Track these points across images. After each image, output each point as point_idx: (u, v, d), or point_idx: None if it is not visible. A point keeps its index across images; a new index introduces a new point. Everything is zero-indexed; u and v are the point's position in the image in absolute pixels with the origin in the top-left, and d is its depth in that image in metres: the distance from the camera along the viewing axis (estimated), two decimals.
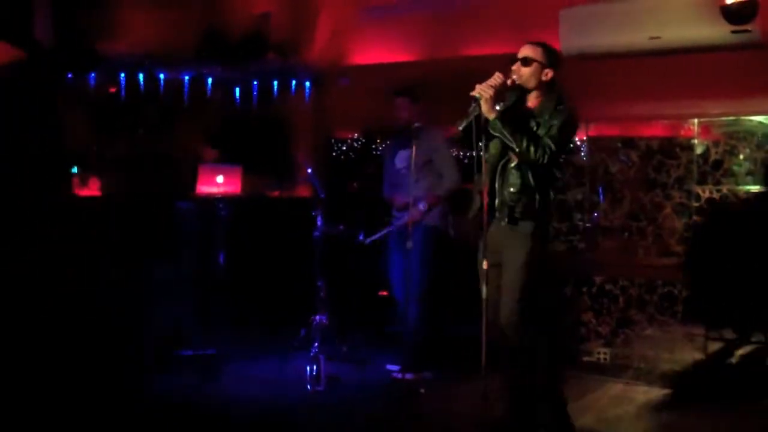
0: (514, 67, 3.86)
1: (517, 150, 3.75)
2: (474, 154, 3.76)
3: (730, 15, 4.65)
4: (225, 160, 6.52)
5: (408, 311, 5.21)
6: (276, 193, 7.19)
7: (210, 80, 7.18)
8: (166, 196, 6.27)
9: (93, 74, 6.84)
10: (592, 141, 5.74)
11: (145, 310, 5.76)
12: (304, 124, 7.28)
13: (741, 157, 5.25)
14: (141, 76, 6.96)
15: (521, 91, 3.92)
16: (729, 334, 5.17)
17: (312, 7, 6.97)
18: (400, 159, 5.40)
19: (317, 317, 5.32)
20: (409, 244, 5.04)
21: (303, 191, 7.06)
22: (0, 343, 5.01)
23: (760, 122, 5.27)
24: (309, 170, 5.53)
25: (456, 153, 5.71)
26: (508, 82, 3.82)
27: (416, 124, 5.29)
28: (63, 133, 6.16)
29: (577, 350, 5.55)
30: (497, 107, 3.80)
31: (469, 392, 4.05)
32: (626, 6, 5.09)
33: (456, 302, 5.52)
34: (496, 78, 3.77)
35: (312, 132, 7.30)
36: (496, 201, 3.87)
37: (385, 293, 6.03)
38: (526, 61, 3.85)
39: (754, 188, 5.18)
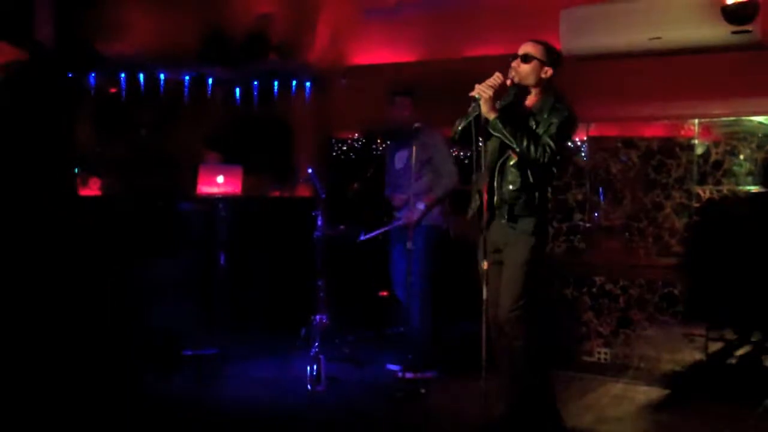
0: (513, 64, 3.87)
1: (517, 150, 3.76)
2: (472, 153, 3.77)
3: (730, 15, 4.65)
4: (225, 160, 6.53)
5: (410, 311, 5.22)
6: (276, 193, 7.20)
7: (210, 80, 7.19)
8: (167, 197, 6.27)
9: (93, 74, 6.85)
10: (592, 141, 5.75)
11: (146, 310, 5.76)
12: (304, 124, 7.29)
13: (741, 157, 5.25)
14: (141, 76, 6.97)
15: (520, 90, 3.93)
16: (729, 334, 5.17)
17: (313, 8, 6.96)
18: (400, 159, 5.42)
19: (317, 317, 5.32)
20: (410, 245, 5.05)
21: (303, 191, 7.06)
22: (0, 343, 5.01)
23: (761, 122, 5.27)
24: (309, 170, 5.54)
25: (456, 153, 5.72)
26: (508, 81, 3.84)
27: (416, 124, 5.29)
28: (69, 132, 6.16)
29: (577, 350, 5.56)
30: (497, 105, 3.81)
31: (469, 392, 4.06)
32: (626, 6, 5.09)
33: (456, 302, 5.52)
34: (496, 78, 3.78)
35: (312, 132, 7.31)
36: (495, 199, 3.88)
37: (385, 293, 6.04)
38: (527, 58, 3.86)
39: (754, 188, 5.19)
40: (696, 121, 5.33)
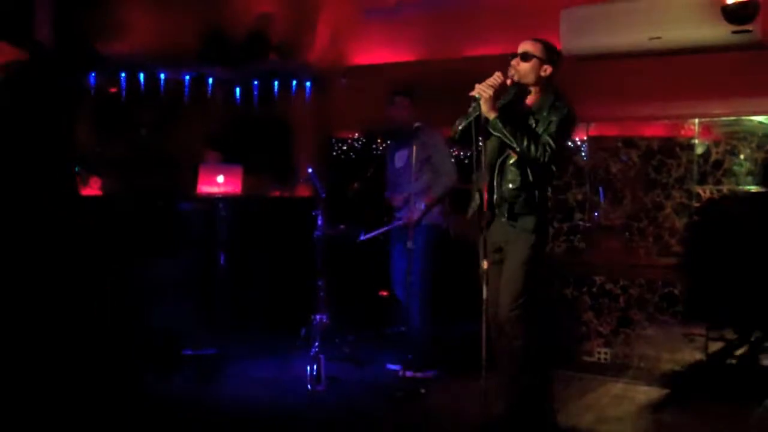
0: (513, 62, 3.87)
1: (517, 149, 3.76)
2: (472, 152, 3.77)
3: (730, 15, 4.65)
4: (225, 160, 6.53)
5: (410, 310, 5.22)
6: (276, 193, 7.20)
7: (210, 80, 7.19)
8: (167, 196, 6.27)
9: (93, 74, 6.85)
10: (592, 141, 5.75)
11: (146, 309, 5.76)
12: (304, 124, 7.29)
13: (741, 157, 5.25)
14: (141, 76, 6.97)
15: (520, 89, 3.93)
16: (729, 334, 5.17)
17: (313, 8, 6.96)
18: (400, 158, 5.42)
19: (317, 317, 5.31)
20: (410, 244, 5.05)
21: (303, 191, 7.06)
22: (0, 343, 5.01)
23: (761, 122, 5.27)
24: (309, 170, 5.54)
25: (456, 152, 5.72)
26: (507, 81, 3.84)
27: (416, 124, 5.29)
28: (69, 132, 6.16)
29: (577, 350, 5.56)
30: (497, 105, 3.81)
31: (469, 392, 4.06)
32: (626, 6, 5.09)
33: (456, 302, 5.52)
34: (496, 78, 3.78)
35: (312, 132, 7.31)
36: (495, 198, 3.88)
37: (385, 293, 6.03)
38: (526, 56, 3.86)
39: (755, 188, 5.19)
40: (696, 120, 5.33)
